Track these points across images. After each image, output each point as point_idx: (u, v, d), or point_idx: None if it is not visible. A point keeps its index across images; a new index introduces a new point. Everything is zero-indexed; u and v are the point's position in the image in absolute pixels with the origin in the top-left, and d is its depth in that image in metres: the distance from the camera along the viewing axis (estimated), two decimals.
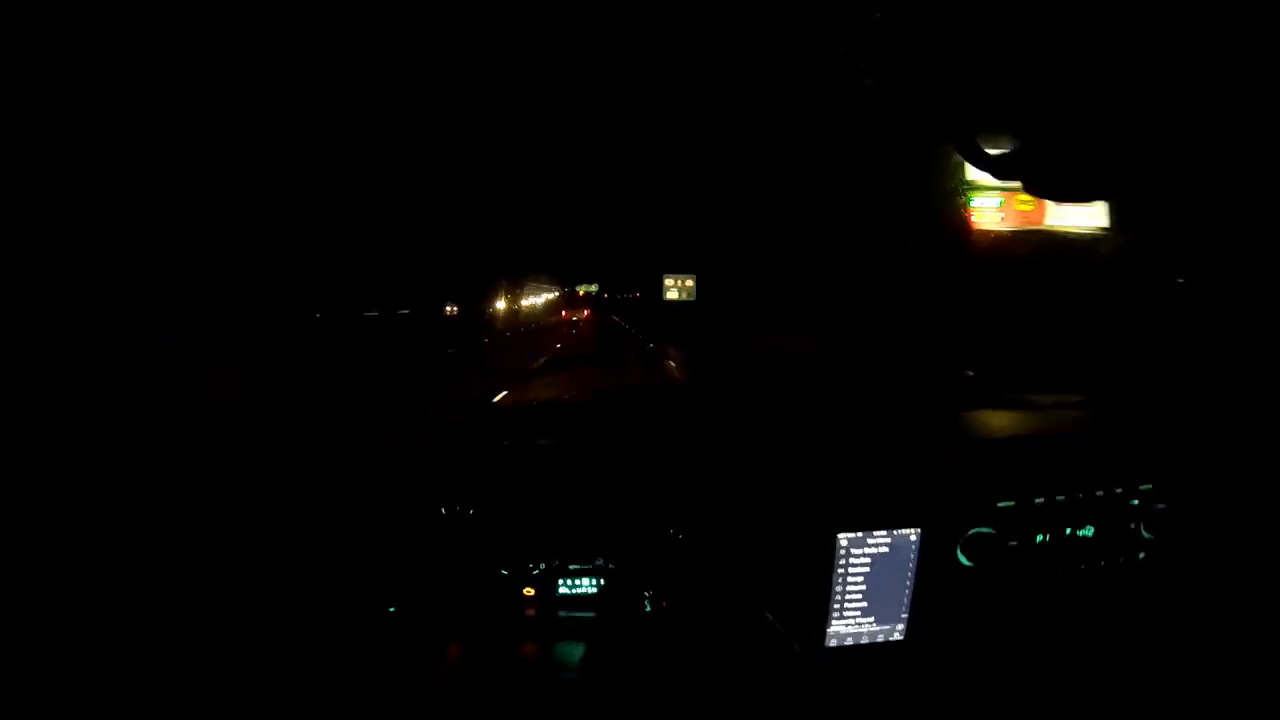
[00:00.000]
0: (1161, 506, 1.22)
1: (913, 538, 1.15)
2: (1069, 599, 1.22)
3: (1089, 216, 2.00)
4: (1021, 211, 2.08)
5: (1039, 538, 1.20)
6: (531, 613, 1.33)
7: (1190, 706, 1.17)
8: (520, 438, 1.38)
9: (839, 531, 1.14)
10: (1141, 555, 1.24)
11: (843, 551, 1.15)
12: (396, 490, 1.26)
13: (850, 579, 1.16)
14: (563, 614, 1.33)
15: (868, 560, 1.16)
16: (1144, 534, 1.23)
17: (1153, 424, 1.33)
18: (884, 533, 1.15)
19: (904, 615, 1.18)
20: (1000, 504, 1.18)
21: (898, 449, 1.26)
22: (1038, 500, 1.19)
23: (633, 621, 1.30)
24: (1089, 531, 1.22)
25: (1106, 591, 1.23)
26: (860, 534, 1.14)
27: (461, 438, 1.42)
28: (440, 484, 1.28)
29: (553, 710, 1.16)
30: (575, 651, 1.25)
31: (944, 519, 1.17)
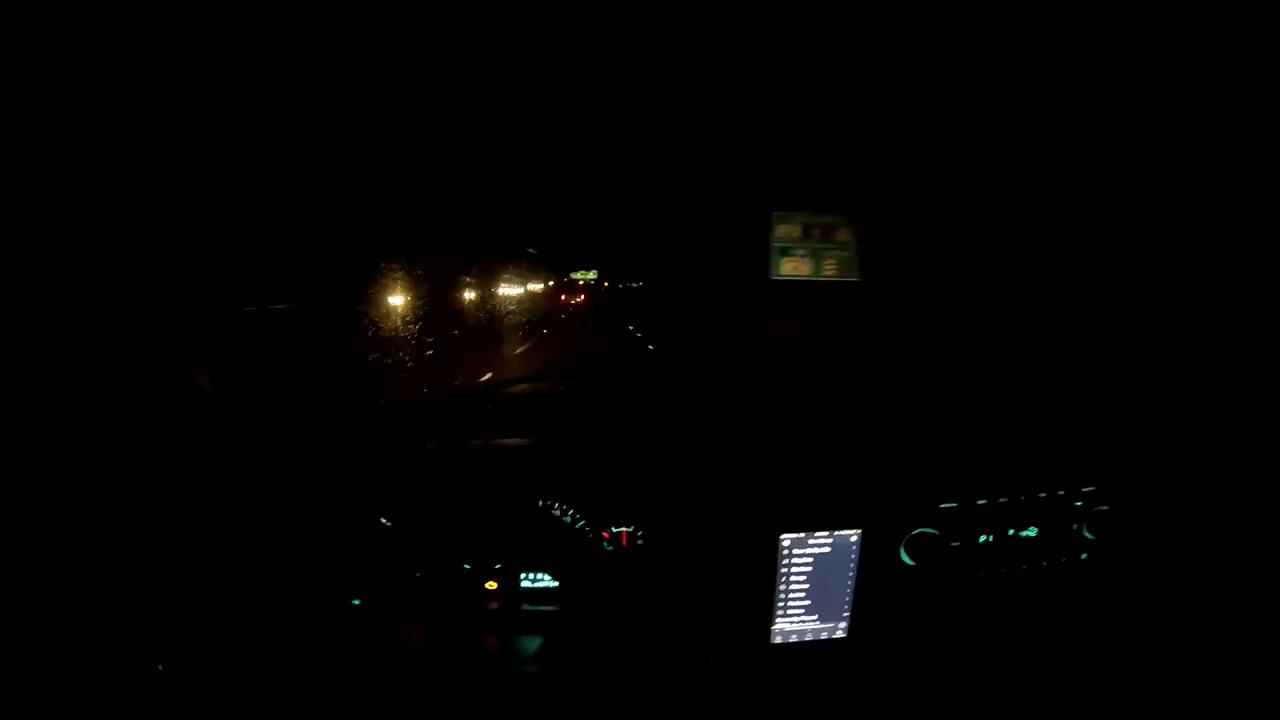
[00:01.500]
0: (1104, 508, 1.25)
1: (853, 539, 1.19)
2: (1011, 598, 1.25)
3: None
4: None
5: (982, 538, 1.23)
6: (495, 606, 1.38)
7: (1128, 703, 1.20)
8: (465, 439, 1.42)
9: (781, 532, 1.18)
10: (1084, 556, 1.26)
11: (785, 552, 1.19)
12: (347, 493, 1.30)
13: (794, 578, 1.20)
14: (526, 607, 1.38)
15: (810, 560, 1.19)
16: (1086, 535, 1.25)
17: (1096, 427, 1.34)
18: (825, 534, 1.18)
19: (846, 614, 1.22)
20: (943, 505, 1.21)
21: (841, 450, 1.29)
22: (980, 501, 1.22)
23: (593, 616, 1.34)
24: (1032, 532, 1.25)
25: (1048, 591, 1.26)
26: (802, 535, 1.18)
27: (394, 438, 1.45)
28: (380, 490, 1.32)
29: (514, 702, 1.21)
30: (535, 645, 1.30)
31: (887, 520, 1.20)
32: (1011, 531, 1.24)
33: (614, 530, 1.33)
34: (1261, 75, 1.62)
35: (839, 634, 1.23)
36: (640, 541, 1.32)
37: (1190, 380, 1.54)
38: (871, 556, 1.20)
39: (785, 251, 1.33)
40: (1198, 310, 1.69)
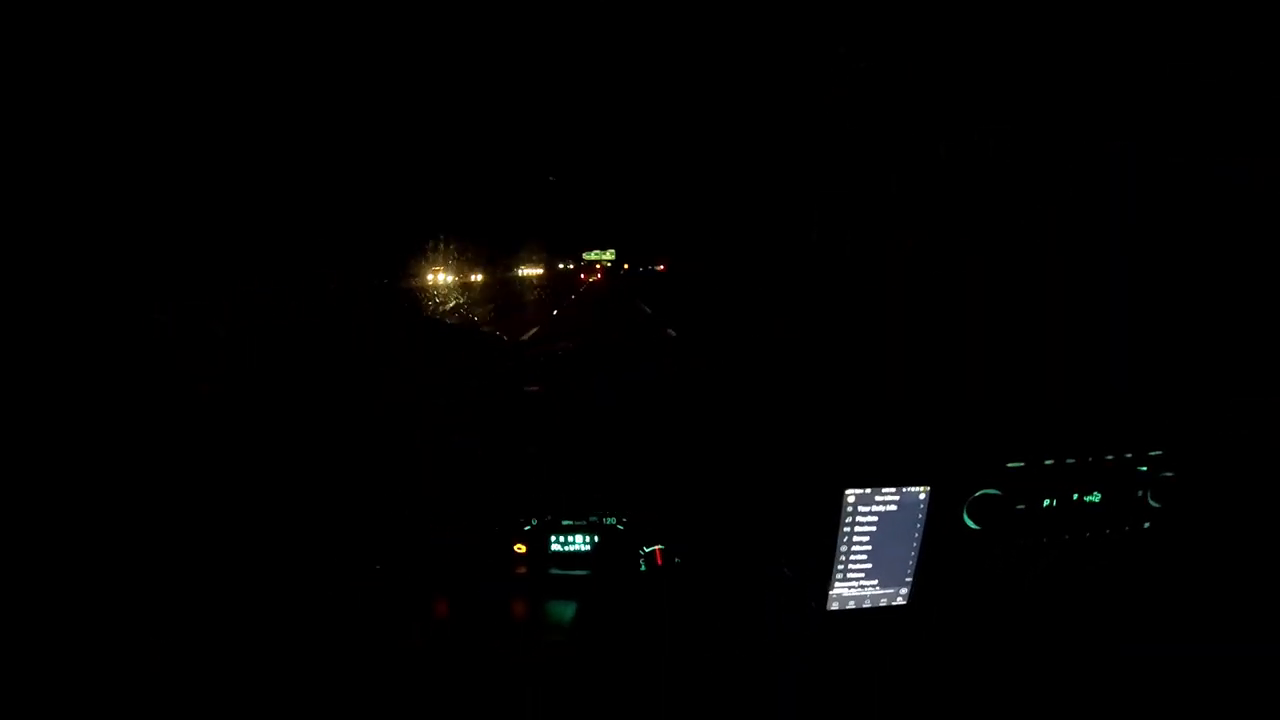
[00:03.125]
0: (1169, 475, 1.20)
1: (922, 496, 1.12)
2: (1073, 568, 1.20)
3: None
4: None
5: (1046, 502, 1.18)
6: (522, 570, 1.28)
7: (1189, 680, 1.15)
8: (518, 381, 1.33)
9: (847, 487, 1.10)
10: (1147, 525, 1.22)
11: (849, 509, 1.11)
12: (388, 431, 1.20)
13: (856, 538, 1.12)
14: (555, 571, 1.28)
15: (875, 519, 1.12)
16: (1151, 503, 1.21)
17: (1166, 391, 1.31)
18: (893, 490, 1.11)
19: (909, 579, 1.15)
20: (1010, 465, 1.16)
21: (910, 404, 1.22)
22: (1047, 462, 1.17)
23: (627, 580, 1.25)
24: (1096, 498, 1.20)
25: (1111, 561, 1.21)
26: (869, 490, 1.11)
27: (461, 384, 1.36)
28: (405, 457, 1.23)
29: (543, 670, 1.11)
30: (567, 610, 1.20)
31: (953, 477, 1.14)
32: (1076, 496, 1.19)
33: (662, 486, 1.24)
34: (1262, 75, 1.64)
35: (899, 601, 1.15)
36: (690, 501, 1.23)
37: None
38: (935, 522, 1.14)
39: None
40: (1198, 309, 1.69)
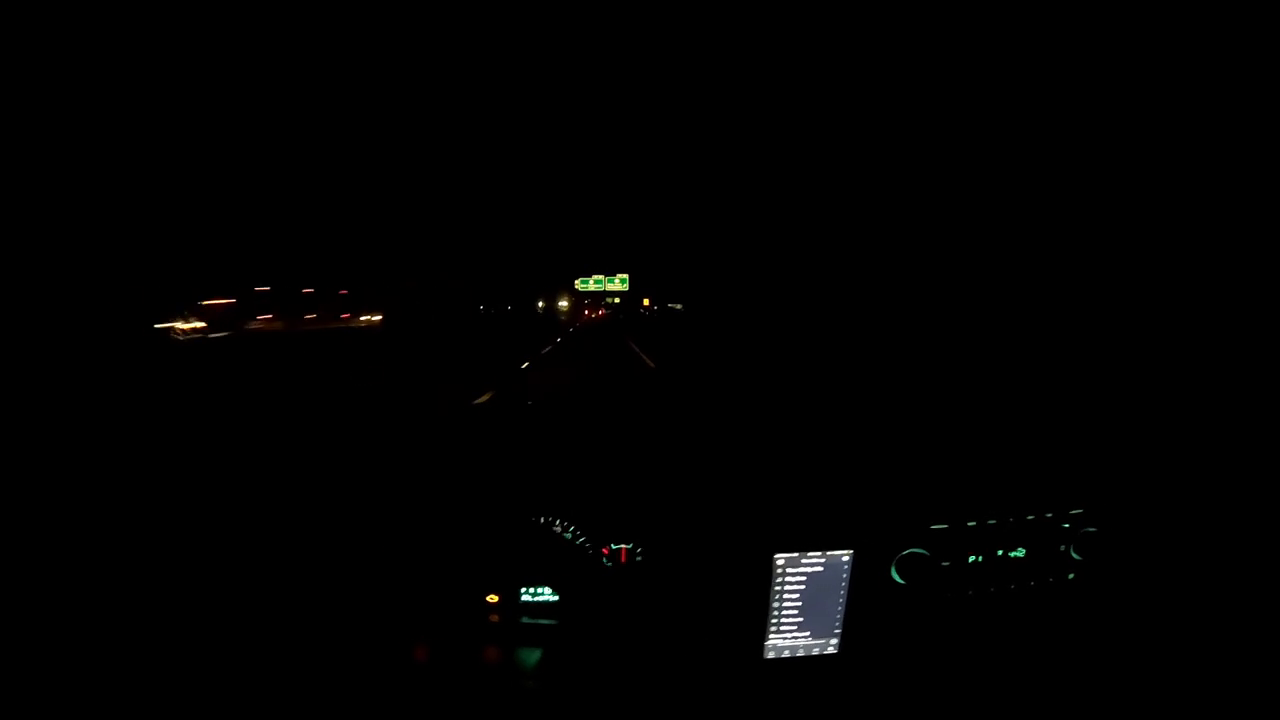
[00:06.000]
0: (1091, 530, 1.27)
1: (845, 559, 1.22)
2: (999, 615, 1.28)
3: None
4: None
5: (971, 558, 1.26)
6: (495, 619, 1.41)
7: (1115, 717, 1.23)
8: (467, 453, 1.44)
9: (775, 552, 1.21)
10: (1071, 575, 1.29)
11: (779, 571, 1.22)
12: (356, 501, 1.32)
13: (787, 596, 1.23)
14: (526, 620, 1.40)
15: (803, 579, 1.22)
16: (1073, 555, 1.28)
17: (1085, 449, 1.37)
18: (818, 554, 1.21)
19: (837, 630, 1.25)
20: (934, 526, 1.24)
21: (833, 471, 1.31)
22: (970, 523, 1.25)
23: (591, 630, 1.37)
24: (1020, 552, 1.28)
25: (1036, 609, 1.29)
26: (795, 555, 1.21)
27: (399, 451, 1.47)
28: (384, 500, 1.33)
29: (512, 715, 1.24)
30: (534, 657, 1.32)
31: (878, 540, 1.23)
32: (1000, 552, 1.27)
33: (613, 547, 1.36)
34: (1261, 75, 1.63)
35: (830, 649, 1.26)
36: (639, 559, 1.35)
37: (1182, 383, 1.57)
38: (863, 576, 1.23)
39: None
40: (1195, 312, 1.71)
